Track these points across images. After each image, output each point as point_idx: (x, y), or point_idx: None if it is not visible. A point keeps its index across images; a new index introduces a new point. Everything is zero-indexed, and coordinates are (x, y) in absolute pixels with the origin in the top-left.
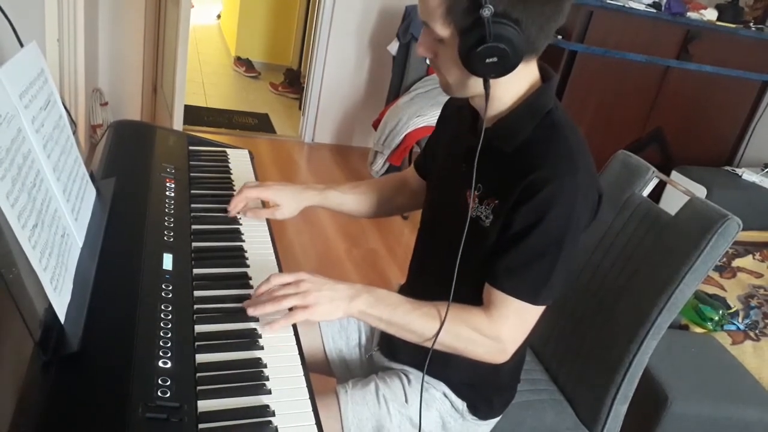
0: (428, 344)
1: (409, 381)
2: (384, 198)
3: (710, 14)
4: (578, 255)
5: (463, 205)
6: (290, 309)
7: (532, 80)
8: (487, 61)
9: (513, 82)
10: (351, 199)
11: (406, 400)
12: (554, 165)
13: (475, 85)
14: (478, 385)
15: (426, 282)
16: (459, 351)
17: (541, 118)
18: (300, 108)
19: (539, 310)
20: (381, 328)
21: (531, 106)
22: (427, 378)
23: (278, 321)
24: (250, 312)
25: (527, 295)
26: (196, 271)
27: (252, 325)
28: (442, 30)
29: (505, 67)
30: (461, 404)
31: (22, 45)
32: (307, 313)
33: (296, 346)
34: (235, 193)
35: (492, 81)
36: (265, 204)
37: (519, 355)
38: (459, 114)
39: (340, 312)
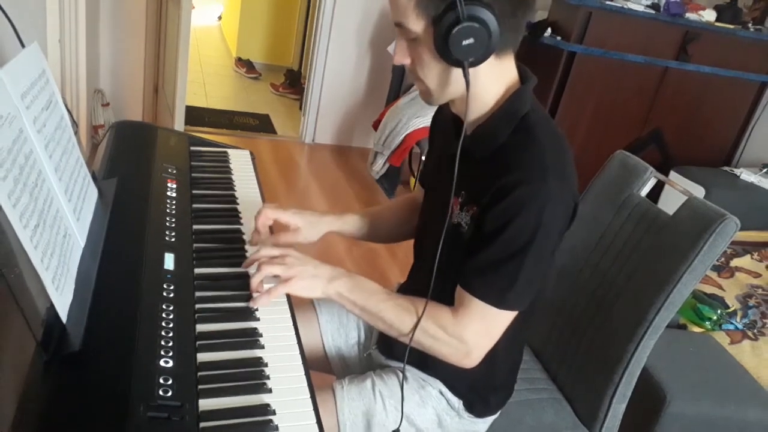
0: (397, 335)
1: (405, 378)
2: (401, 220)
3: (709, 15)
4: (554, 261)
5: (448, 212)
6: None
7: (510, 81)
8: (464, 43)
9: (491, 82)
10: (369, 224)
11: (403, 397)
12: (524, 170)
13: (455, 83)
14: (475, 383)
15: (420, 286)
16: (426, 348)
17: (517, 122)
18: (300, 109)
19: (506, 315)
20: (355, 313)
21: (507, 110)
22: (423, 376)
23: (261, 296)
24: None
25: (492, 298)
26: (197, 270)
27: (253, 324)
28: (416, 24)
29: (482, 49)
30: (457, 402)
31: (23, 46)
32: (287, 286)
33: (297, 345)
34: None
35: (471, 78)
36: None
37: (516, 355)
38: (445, 124)
39: (318, 290)
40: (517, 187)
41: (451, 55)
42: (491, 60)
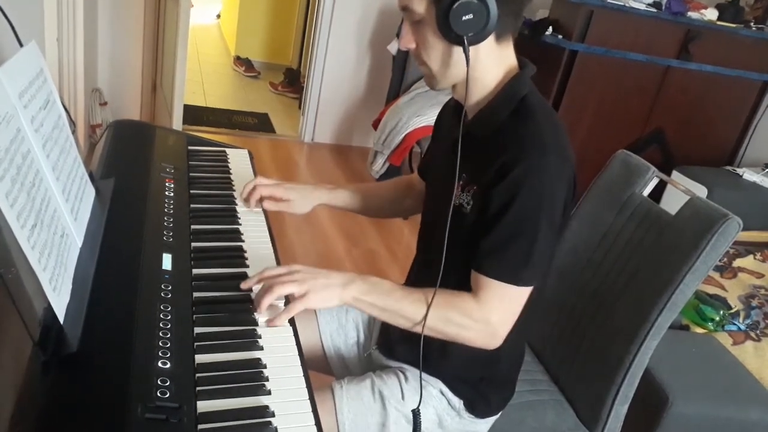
0: (420, 329)
1: (406, 378)
2: (393, 199)
3: (711, 14)
4: (565, 236)
5: (452, 198)
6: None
7: (510, 66)
8: (464, 18)
9: (491, 65)
10: (361, 198)
11: (403, 397)
12: (524, 146)
13: (457, 64)
14: (475, 380)
15: (426, 278)
16: (451, 336)
17: (516, 103)
18: (300, 107)
19: (524, 291)
20: (374, 314)
21: (507, 92)
22: (423, 375)
23: (279, 315)
24: (257, 314)
25: (508, 276)
26: (195, 271)
27: (251, 325)
28: (419, 5)
29: (481, 25)
30: (458, 402)
31: (21, 44)
32: (304, 302)
33: (296, 347)
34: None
35: (472, 61)
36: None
37: (518, 351)
38: (448, 116)
39: (335, 299)
40: (517, 164)
41: (451, 30)
42: (491, 43)
